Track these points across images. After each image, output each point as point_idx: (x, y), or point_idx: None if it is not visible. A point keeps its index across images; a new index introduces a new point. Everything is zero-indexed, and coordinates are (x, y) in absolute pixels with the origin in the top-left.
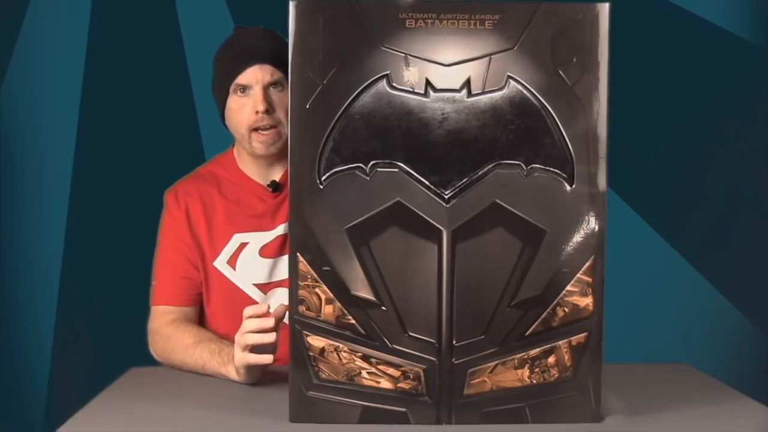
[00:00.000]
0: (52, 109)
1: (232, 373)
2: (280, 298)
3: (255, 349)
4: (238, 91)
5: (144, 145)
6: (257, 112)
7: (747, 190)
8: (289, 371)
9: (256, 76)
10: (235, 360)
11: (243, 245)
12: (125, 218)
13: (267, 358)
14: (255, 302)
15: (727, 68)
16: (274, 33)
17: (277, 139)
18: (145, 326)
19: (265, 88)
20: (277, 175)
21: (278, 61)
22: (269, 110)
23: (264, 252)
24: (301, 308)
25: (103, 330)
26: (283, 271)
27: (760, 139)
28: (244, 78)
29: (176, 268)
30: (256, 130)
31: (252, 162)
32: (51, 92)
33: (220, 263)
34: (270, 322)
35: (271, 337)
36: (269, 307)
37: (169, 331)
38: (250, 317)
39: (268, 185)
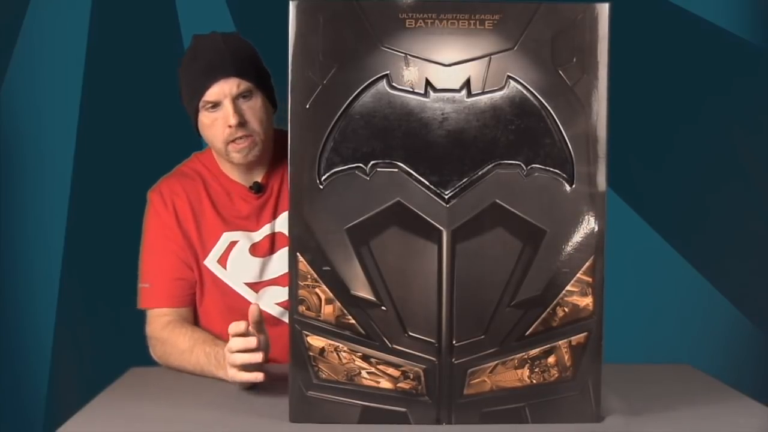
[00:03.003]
0: (52, 109)
1: (225, 377)
2: (271, 296)
3: (245, 366)
4: (208, 107)
5: (144, 145)
6: (230, 126)
7: (747, 190)
8: (289, 371)
9: (223, 90)
10: (227, 375)
11: (233, 244)
12: (125, 218)
13: (257, 377)
14: (247, 301)
15: (727, 68)
16: (234, 39)
17: (253, 146)
18: (144, 327)
19: (234, 101)
20: (258, 176)
21: (243, 71)
22: (242, 122)
23: (254, 251)
24: (301, 308)
25: (103, 330)
26: (273, 270)
27: (759, 139)
28: (211, 94)
29: (169, 269)
30: (231, 141)
31: (232, 166)
32: (51, 92)
33: (210, 262)
34: (253, 342)
35: (258, 357)
36: (254, 318)
37: (164, 335)
38: (234, 335)
39: (250, 187)
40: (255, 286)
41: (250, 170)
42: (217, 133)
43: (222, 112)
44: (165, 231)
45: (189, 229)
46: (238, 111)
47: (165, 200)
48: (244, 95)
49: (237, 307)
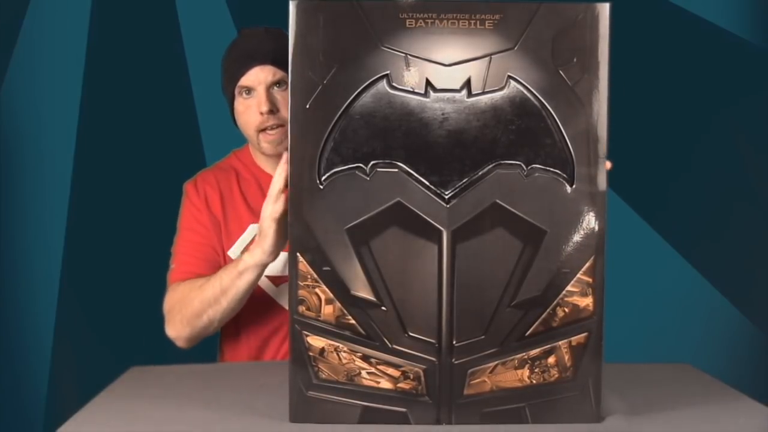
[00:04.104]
0: (52, 109)
1: (255, 256)
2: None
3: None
4: (243, 93)
5: (144, 146)
6: (261, 113)
7: (747, 190)
8: (289, 371)
9: (258, 77)
10: (263, 222)
11: None
12: (125, 218)
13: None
14: (266, 293)
15: (727, 68)
16: (276, 32)
17: (284, 137)
18: (144, 327)
19: (268, 89)
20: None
21: (280, 61)
22: (273, 110)
23: None
24: (301, 308)
25: (103, 330)
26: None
27: (759, 139)
28: (246, 80)
29: (195, 249)
30: (263, 130)
31: (266, 158)
32: (51, 92)
33: (234, 253)
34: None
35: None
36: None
37: (180, 289)
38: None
39: None
40: (276, 280)
41: None
42: (249, 120)
43: (255, 99)
44: (196, 215)
45: (218, 217)
46: (270, 99)
47: (198, 190)
48: (279, 84)
49: (256, 299)
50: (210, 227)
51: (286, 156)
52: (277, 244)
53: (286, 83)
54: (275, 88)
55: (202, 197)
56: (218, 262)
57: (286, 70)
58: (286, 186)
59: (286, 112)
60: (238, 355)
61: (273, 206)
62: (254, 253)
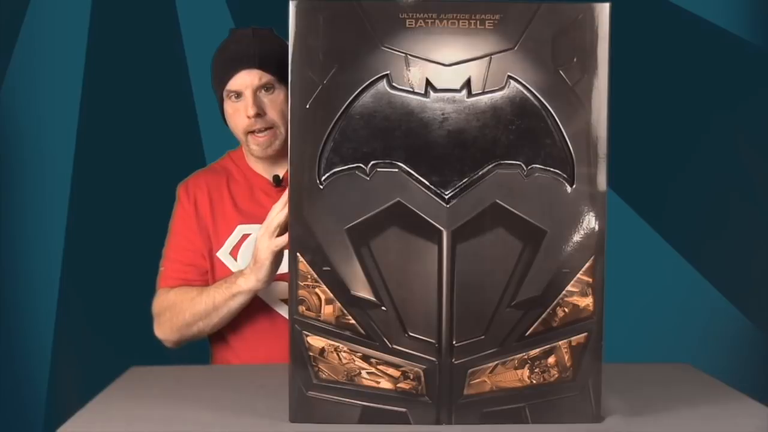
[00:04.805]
0: (52, 109)
1: (249, 283)
2: (278, 292)
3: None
4: (232, 97)
5: (144, 146)
6: (249, 116)
7: (747, 190)
8: (289, 371)
9: (244, 81)
10: (261, 253)
11: (245, 236)
12: (125, 218)
13: (285, 239)
14: (256, 296)
15: (727, 68)
16: (264, 33)
17: (273, 140)
18: (144, 327)
19: (255, 92)
20: (281, 170)
21: (266, 64)
22: (260, 113)
23: None
24: (301, 308)
25: (103, 330)
26: (283, 265)
27: (759, 139)
28: (233, 84)
29: (183, 255)
30: (251, 132)
31: (256, 159)
32: (51, 92)
33: (222, 254)
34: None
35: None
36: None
37: (171, 297)
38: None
39: (272, 180)
40: None
41: (274, 163)
42: (238, 122)
43: (243, 102)
44: (185, 221)
45: (206, 221)
46: (257, 102)
47: (189, 193)
48: (267, 88)
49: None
50: (198, 232)
51: (287, 193)
52: (272, 274)
53: (274, 86)
54: (262, 91)
55: (192, 201)
56: (205, 267)
57: (273, 72)
58: (286, 225)
59: (273, 115)
60: (228, 358)
61: (273, 239)
62: (248, 279)
